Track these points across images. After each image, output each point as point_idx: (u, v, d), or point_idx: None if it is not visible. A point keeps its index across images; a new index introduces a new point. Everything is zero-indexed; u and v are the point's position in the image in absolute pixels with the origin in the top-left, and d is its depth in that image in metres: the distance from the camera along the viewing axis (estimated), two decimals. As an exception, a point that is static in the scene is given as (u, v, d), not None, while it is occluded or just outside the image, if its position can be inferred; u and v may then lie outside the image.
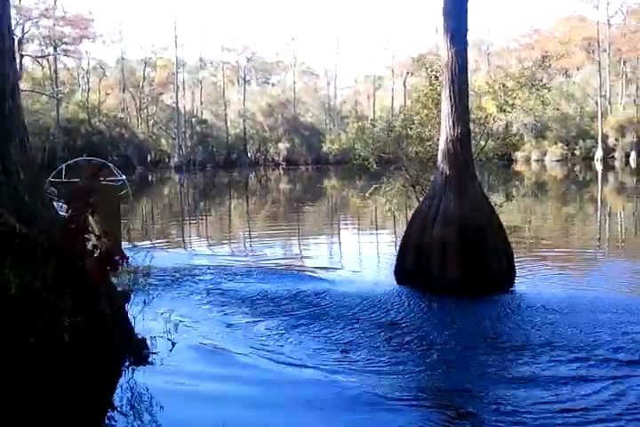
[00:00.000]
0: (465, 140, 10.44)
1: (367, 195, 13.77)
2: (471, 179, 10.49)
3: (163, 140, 67.04)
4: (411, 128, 12.64)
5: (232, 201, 37.01)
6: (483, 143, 12.65)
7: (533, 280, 11.02)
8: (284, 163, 68.47)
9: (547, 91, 12.22)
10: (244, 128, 68.75)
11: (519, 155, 62.09)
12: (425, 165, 12.35)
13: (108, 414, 5.95)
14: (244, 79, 70.63)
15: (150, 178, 56.04)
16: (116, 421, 5.80)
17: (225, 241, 18.18)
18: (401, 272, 10.80)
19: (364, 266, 12.56)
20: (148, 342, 7.22)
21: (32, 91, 53.27)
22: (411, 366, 6.72)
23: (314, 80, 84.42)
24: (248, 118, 69.09)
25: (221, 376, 6.65)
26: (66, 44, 55.81)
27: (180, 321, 8.03)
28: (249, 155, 69.90)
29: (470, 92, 11.07)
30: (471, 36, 10.90)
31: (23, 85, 51.51)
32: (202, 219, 26.00)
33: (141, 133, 64.09)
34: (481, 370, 6.56)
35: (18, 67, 49.14)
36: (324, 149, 14.70)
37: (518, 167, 59.46)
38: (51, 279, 6.33)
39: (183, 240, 18.53)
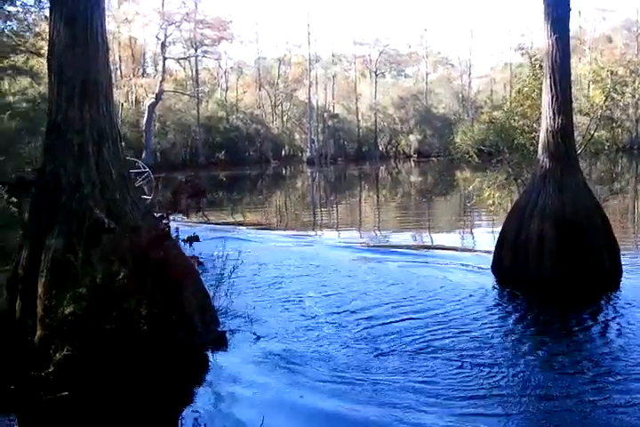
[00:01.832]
0: (566, 131, 9.95)
1: (470, 188, 13.44)
2: (572, 172, 9.98)
3: (296, 135, 68.75)
4: (514, 119, 12.20)
5: (362, 193, 37.39)
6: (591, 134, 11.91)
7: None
8: (415, 155, 67.89)
9: (659, 77, 11.32)
10: (375, 121, 68.86)
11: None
12: (528, 158, 11.87)
13: (189, 401, 6.35)
14: (376, 72, 70.61)
15: (284, 172, 57.74)
16: (194, 409, 6.18)
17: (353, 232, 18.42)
18: (498, 269, 10.50)
19: (467, 261, 12.30)
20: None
21: (174, 91, 56.54)
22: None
23: (448, 70, 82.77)
24: (379, 111, 69.13)
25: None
26: (206, 45, 58.54)
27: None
28: (380, 147, 69.99)
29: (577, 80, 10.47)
30: (620, 16, 10.29)
31: (167, 86, 54.93)
32: (332, 210, 26.54)
33: (276, 129, 66.08)
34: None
35: (161, 69, 52.53)
36: (457, 140, 14.51)
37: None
38: (134, 272, 6.87)
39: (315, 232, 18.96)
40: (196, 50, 56.94)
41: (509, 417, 5.45)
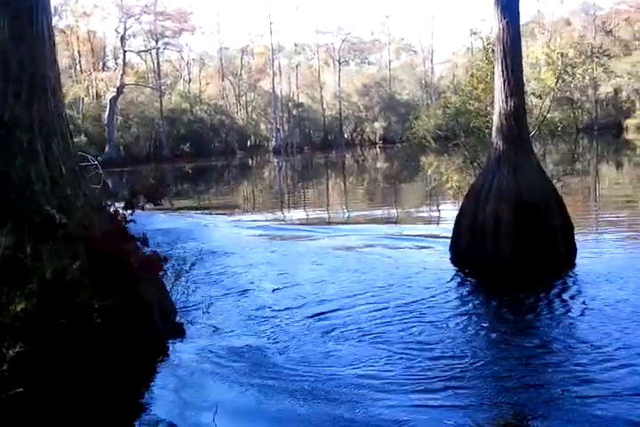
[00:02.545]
0: (519, 113, 10.10)
1: (429, 172, 13.58)
2: (526, 154, 10.15)
3: (262, 125, 68.47)
4: (469, 103, 12.34)
5: (329, 181, 37.54)
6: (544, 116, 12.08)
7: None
8: (380, 142, 68.14)
9: (607, 58, 11.51)
10: (340, 109, 68.87)
11: (631, 122, 58.49)
12: (484, 141, 12.03)
13: (147, 391, 6.35)
14: (339, 61, 70.52)
15: (250, 162, 57.51)
16: (153, 398, 6.19)
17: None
18: (456, 252, 10.66)
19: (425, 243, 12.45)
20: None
21: (136, 84, 55.78)
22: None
23: (411, 57, 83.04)
24: (343, 99, 69.12)
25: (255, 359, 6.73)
26: (167, 37, 57.85)
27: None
28: (345, 135, 70.07)
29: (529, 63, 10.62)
30: (577, 0, 10.42)
31: (128, 79, 54.18)
32: (297, 198, 26.60)
33: (241, 119, 65.71)
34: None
35: (122, 62, 51.80)
36: (413, 125, 14.60)
37: (630, 136, 56.13)
38: (88, 266, 6.83)
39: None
40: (156, 42, 56.23)
41: (467, 408, 5.35)
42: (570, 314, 7.80)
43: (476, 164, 11.98)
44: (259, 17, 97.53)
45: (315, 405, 5.50)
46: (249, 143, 65.78)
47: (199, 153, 56.44)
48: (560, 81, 11.64)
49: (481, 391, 5.65)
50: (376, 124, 68.88)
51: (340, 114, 69.24)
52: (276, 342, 6.99)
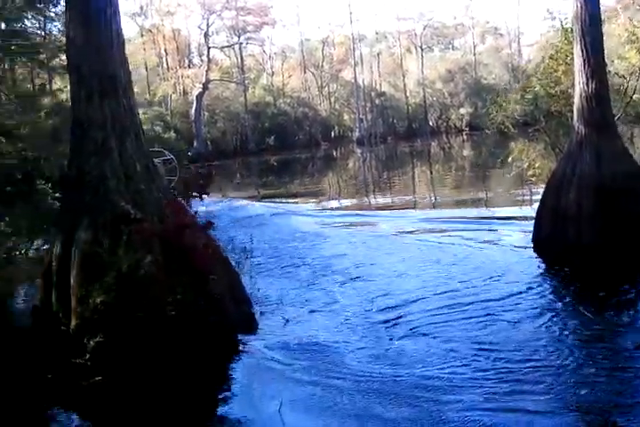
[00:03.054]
0: (601, 95, 9.59)
1: (510, 160, 13.12)
2: (610, 138, 9.64)
3: (345, 116, 68.30)
4: (550, 87, 11.81)
5: (414, 170, 37.16)
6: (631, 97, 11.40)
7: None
8: (466, 129, 66.51)
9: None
10: (424, 96, 67.73)
11: None
12: (565, 125, 11.49)
13: (218, 383, 6.49)
14: (422, 47, 69.33)
15: (334, 153, 57.67)
16: (223, 390, 6.32)
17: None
18: (538, 238, 10.29)
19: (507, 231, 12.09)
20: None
21: (221, 80, 56.92)
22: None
23: (497, 40, 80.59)
24: (427, 86, 67.93)
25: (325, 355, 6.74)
26: (249, 32, 58.63)
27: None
28: (430, 123, 68.90)
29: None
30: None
31: (213, 75, 55.36)
32: (383, 187, 26.42)
33: (324, 111, 65.81)
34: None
35: (206, 58, 52.95)
36: (491, 111, 14.10)
37: None
38: (162, 259, 7.03)
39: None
40: (239, 37, 57.08)
41: (549, 414, 5.07)
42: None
43: (557, 149, 11.47)
44: (338, 7, 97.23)
45: (382, 406, 5.39)
46: (332, 134, 65.84)
47: (284, 146, 57.03)
48: (646, 58, 10.96)
49: (565, 396, 5.28)
50: (462, 111, 67.27)
51: (425, 101, 68.09)
52: (345, 339, 6.92)
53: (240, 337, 7.23)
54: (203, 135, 52.20)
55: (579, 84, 9.66)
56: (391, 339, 6.84)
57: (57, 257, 7.12)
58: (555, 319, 7.14)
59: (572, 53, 10.77)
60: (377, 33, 71.90)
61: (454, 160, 40.78)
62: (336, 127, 66.77)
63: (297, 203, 21.52)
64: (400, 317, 7.50)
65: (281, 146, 56.73)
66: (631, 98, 11.52)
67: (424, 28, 70.13)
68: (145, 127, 38.68)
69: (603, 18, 9.76)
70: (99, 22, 7.21)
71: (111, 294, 6.69)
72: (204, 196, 7.65)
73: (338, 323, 7.45)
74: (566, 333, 6.76)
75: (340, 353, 6.53)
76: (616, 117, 10.46)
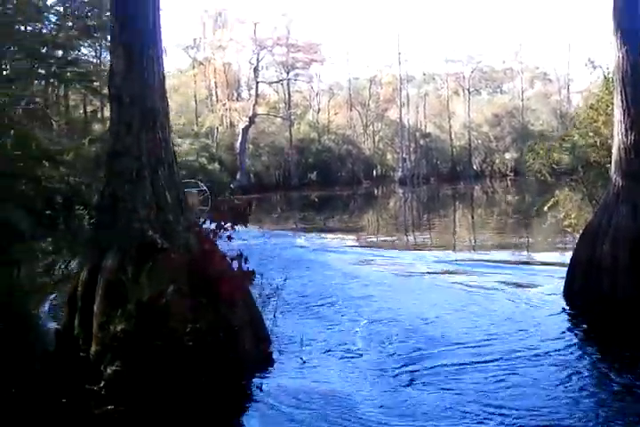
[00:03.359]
0: (640, 147, 9.45)
1: (546, 209, 12.95)
2: (649, 190, 9.44)
3: (388, 155, 68.70)
4: (589, 136, 11.70)
5: (455, 213, 36.93)
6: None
7: None
8: (511, 173, 66.03)
9: None
10: (469, 139, 67.76)
11: None
12: (604, 176, 11.32)
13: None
14: (469, 90, 69.66)
15: (375, 192, 57.81)
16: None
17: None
18: (569, 293, 10.06)
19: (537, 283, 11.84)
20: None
21: (267, 114, 58.04)
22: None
23: (546, 86, 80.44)
24: (473, 129, 67.99)
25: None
26: (297, 68, 59.90)
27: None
28: (474, 166, 68.68)
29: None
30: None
31: (260, 109, 56.46)
32: (419, 231, 26.25)
33: (367, 149, 66.33)
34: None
35: (254, 93, 54.09)
36: (527, 158, 13.93)
37: None
38: (185, 289, 7.09)
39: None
40: (287, 73, 58.33)
41: None
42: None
43: (594, 201, 11.30)
44: (388, 47, 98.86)
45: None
46: (375, 173, 66.13)
47: (326, 182, 57.53)
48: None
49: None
50: (507, 156, 66.98)
51: (470, 144, 68.10)
52: (360, 387, 6.76)
53: (255, 374, 7.18)
54: (246, 168, 53.01)
55: (617, 135, 9.56)
56: (404, 389, 6.67)
57: (83, 282, 7.24)
58: (574, 378, 6.86)
59: (612, 103, 10.69)
60: (424, 74, 72.51)
61: (497, 205, 40.36)
62: (379, 166, 67.15)
63: (333, 239, 21.57)
64: (417, 367, 7.29)
65: (323, 182, 57.21)
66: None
67: (472, 71, 70.44)
68: (190, 158, 39.74)
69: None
70: (142, 56, 7.47)
71: (131, 321, 6.75)
72: (237, 226, 7.67)
73: (356, 368, 7.32)
74: (585, 393, 6.49)
75: (351, 402, 6.39)
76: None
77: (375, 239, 22.07)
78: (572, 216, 12.25)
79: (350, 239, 21.89)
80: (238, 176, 51.44)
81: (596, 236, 9.61)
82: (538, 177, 12.68)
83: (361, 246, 19.65)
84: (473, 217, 32.39)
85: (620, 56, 9.46)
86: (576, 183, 12.38)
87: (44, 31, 26.36)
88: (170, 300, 6.78)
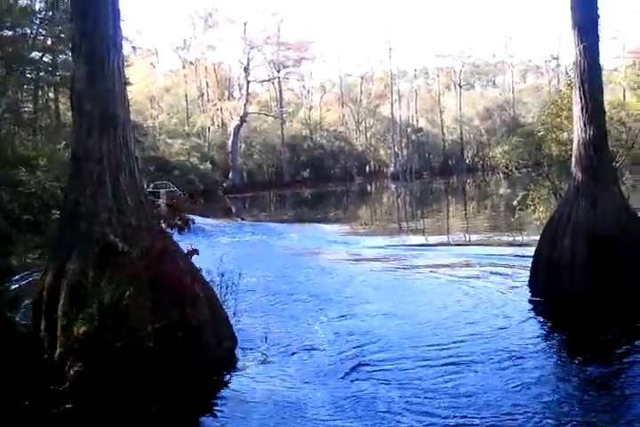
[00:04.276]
0: (599, 142, 9.61)
1: (515, 203, 13.13)
2: (607, 185, 9.61)
3: (381, 151, 68.89)
4: (552, 132, 11.85)
5: (449, 207, 37.14)
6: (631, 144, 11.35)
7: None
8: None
9: None
10: (461, 133, 67.94)
11: None
12: (567, 170, 11.49)
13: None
14: (460, 84, 69.76)
15: (369, 188, 57.97)
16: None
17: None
18: (533, 287, 10.25)
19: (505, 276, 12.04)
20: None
21: (259, 113, 58.15)
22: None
23: (538, 79, 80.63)
24: (464, 123, 68.16)
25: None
26: (288, 66, 59.94)
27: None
28: (466, 160, 68.88)
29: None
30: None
31: (251, 108, 56.52)
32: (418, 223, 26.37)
33: (360, 146, 66.52)
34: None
35: (245, 92, 54.16)
36: (493, 153, 14.07)
37: None
38: (145, 290, 7.26)
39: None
40: (278, 71, 58.38)
41: None
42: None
43: (558, 195, 11.46)
44: (378, 43, 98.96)
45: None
46: (368, 169, 66.36)
47: (319, 179, 57.72)
48: (648, 106, 10.94)
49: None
50: (505, 147, 67.09)
51: (462, 138, 68.29)
52: (316, 383, 6.94)
53: (218, 372, 7.35)
54: (238, 167, 53.11)
55: (577, 131, 9.72)
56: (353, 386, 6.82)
57: (48, 286, 7.40)
58: (534, 374, 7.01)
59: (573, 99, 10.85)
60: (415, 70, 72.69)
61: (488, 198, 40.55)
62: (371, 162, 67.34)
63: (322, 235, 21.75)
64: (374, 363, 7.45)
65: (316, 179, 57.40)
66: (632, 145, 11.47)
67: (463, 66, 70.55)
68: (182, 158, 39.89)
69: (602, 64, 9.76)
70: (102, 63, 7.61)
71: (93, 323, 6.92)
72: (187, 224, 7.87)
73: (315, 363, 7.47)
74: (546, 387, 6.66)
75: (305, 404, 6.52)
76: (617, 164, 10.44)
77: (365, 237, 22.11)
78: (540, 210, 12.41)
79: (340, 235, 22.01)
80: (230, 175, 51.55)
81: (557, 231, 9.78)
82: (504, 173, 12.83)
83: (350, 242, 19.75)
84: (466, 211, 32.60)
85: (578, 52, 9.62)
86: (542, 178, 12.54)
87: (33, 36, 26.49)
88: (129, 302, 6.94)
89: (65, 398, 6.63)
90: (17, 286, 9.94)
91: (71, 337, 6.98)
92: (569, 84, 11.71)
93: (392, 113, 64.59)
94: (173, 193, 19.63)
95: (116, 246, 7.33)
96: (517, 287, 10.82)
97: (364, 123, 69.06)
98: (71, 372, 6.88)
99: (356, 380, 6.94)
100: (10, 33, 23.61)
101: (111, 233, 7.39)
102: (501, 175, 62.93)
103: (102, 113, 7.63)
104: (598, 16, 9.70)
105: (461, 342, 8.05)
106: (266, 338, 8.25)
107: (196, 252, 7.79)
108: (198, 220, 23.43)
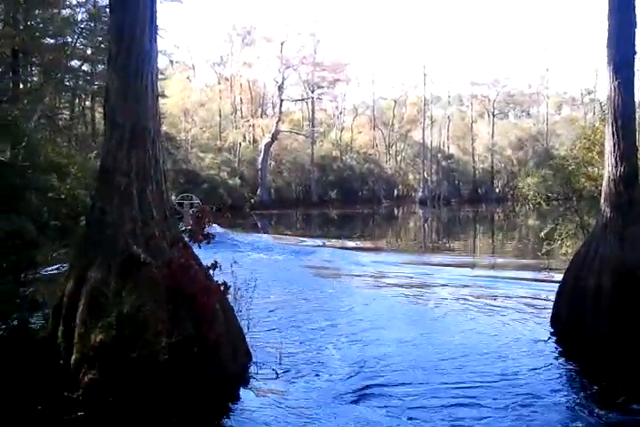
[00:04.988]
0: (630, 179, 9.48)
1: (543, 236, 12.99)
2: (636, 221, 9.45)
3: (410, 175, 68.86)
4: (583, 166, 11.77)
5: (476, 235, 36.86)
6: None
7: None
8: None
9: None
10: (492, 162, 67.66)
11: None
12: (596, 206, 11.35)
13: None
14: (493, 113, 69.67)
15: (395, 211, 57.85)
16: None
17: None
18: (556, 323, 10.08)
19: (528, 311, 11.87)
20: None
21: (290, 131, 58.67)
22: None
23: (573, 111, 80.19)
24: (496, 152, 67.90)
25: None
26: (322, 87, 60.52)
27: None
28: (496, 189, 68.46)
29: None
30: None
31: (283, 127, 57.04)
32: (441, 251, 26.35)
33: (389, 169, 66.58)
34: None
35: (278, 110, 54.71)
36: (520, 184, 13.93)
37: None
38: (165, 303, 7.31)
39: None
40: (312, 92, 58.92)
41: None
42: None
43: (586, 230, 11.33)
44: (413, 68, 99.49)
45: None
46: (395, 193, 66.31)
47: (346, 200, 57.80)
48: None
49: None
50: (529, 180, 66.63)
51: (493, 167, 68.00)
52: (323, 407, 6.90)
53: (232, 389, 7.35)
54: (267, 184, 53.46)
55: (607, 167, 9.63)
56: (362, 415, 6.72)
57: (68, 293, 7.50)
58: (541, 410, 6.89)
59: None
60: (449, 96, 72.76)
61: (518, 229, 40.11)
62: (400, 186, 67.30)
63: (346, 256, 21.74)
64: (382, 390, 7.38)
65: (343, 200, 57.48)
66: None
67: (497, 95, 70.49)
68: (212, 172, 40.53)
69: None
70: (136, 77, 7.77)
71: (110, 333, 6.98)
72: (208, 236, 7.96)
73: (324, 389, 7.43)
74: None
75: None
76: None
77: (388, 259, 22.09)
78: (567, 244, 12.28)
79: (366, 258, 21.94)
80: (259, 191, 51.90)
81: (583, 266, 9.64)
82: (532, 204, 12.75)
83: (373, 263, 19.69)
84: (493, 240, 32.27)
85: (612, 88, 9.56)
86: (570, 212, 12.42)
87: (73, 45, 27.17)
88: (147, 314, 6.99)
89: (78, 405, 6.70)
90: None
91: (87, 345, 7.05)
92: (602, 119, 11.64)
93: (423, 138, 64.65)
94: (198, 205, 20.12)
95: (139, 257, 7.41)
96: (539, 321, 10.66)
97: (394, 147, 69.23)
98: (85, 379, 6.94)
99: (363, 406, 6.88)
100: (52, 41, 24.29)
101: (134, 244, 7.49)
102: (531, 207, 62.77)
103: (133, 126, 7.76)
104: (635, 53, 9.64)
105: (473, 374, 7.94)
106: (280, 356, 8.21)
107: (217, 265, 7.82)
108: (228, 232, 23.76)
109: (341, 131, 67.66)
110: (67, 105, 30.51)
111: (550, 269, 14.79)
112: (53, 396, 6.90)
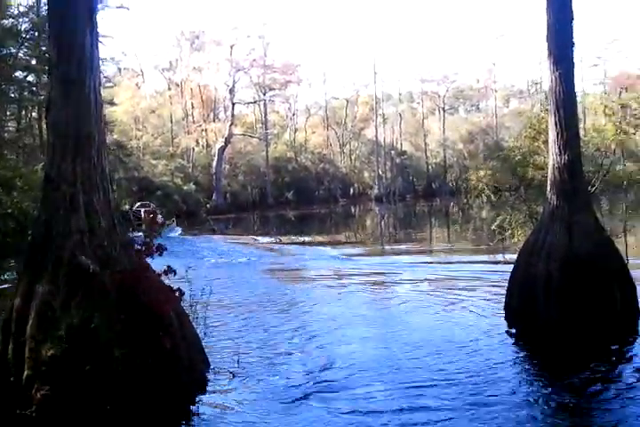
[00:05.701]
0: (574, 167, 9.72)
1: (494, 227, 13.21)
2: (582, 209, 9.69)
3: (365, 173, 69.21)
4: (529, 156, 12.00)
5: (432, 229, 37.33)
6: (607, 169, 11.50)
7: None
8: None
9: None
10: (444, 156, 68.53)
11: None
12: (543, 195, 11.59)
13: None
14: (444, 108, 70.57)
15: (352, 210, 58.10)
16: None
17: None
18: (508, 309, 10.25)
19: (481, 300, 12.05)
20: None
21: (243, 134, 58.38)
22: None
23: (521, 103, 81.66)
24: (448, 147, 68.80)
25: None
26: (274, 89, 60.40)
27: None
28: (449, 183, 69.35)
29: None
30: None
31: (236, 130, 56.72)
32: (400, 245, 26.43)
33: (344, 168, 66.82)
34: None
35: (230, 113, 54.41)
36: (471, 177, 14.31)
37: None
38: (115, 313, 7.17)
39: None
40: (264, 94, 58.76)
41: None
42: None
43: (535, 219, 11.55)
44: (364, 67, 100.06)
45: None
46: (352, 191, 66.53)
47: (303, 201, 57.79)
48: (622, 133, 11.10)
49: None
50: (481, 172, 67.67)
51: (445, 162, 68.85)
52: (279, 410, 6.87)
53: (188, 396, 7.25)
54: (222, 188, 53.05)
55: (552, 156, 9.83)
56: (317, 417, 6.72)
57: (17, 308, 7.29)
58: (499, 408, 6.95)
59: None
60: (400, 94, 73.43)
61: (472, 221, 40.72)
62: (355, 184, 67.54)
63: (302, 254, 21.78)
64: (340, 389, 7.39)
65: (299, 201, 57.44)
66: (607, 171, 11.62)
67: (447, 90, 71.43)
68: (165, 179, 40.07)
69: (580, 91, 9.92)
70: (78, 85, 7.60)
71: (61, 347, 6.82)
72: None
73: (280, 392, 7.38)
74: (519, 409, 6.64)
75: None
76: (593, 189, 10.55)
77: (344, 255, 22.17)
78: (518, 234, 12.49)
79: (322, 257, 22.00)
80: (214, 196, 51.49)
81: (532, 254, 9.83)
82: (485, 196, 12.93)
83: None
84: (449, 232, 32.72)
85: (553, 79, 9.77)
86: (519, 202, 12.64)
87: (16, 55, 26.52)
88: (98, 325, 6.85)
89: (31, 422, 6.53)
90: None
91: (39, 360, 6.87)
92: (547, 109, 11.87)
93: (376, 136, 65.09)
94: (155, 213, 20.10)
95: (87, 268, 7.26)
96: (495, 311, 10.82)
97: (348, 145, 69.52)
98: (38, 395, 6.76)
99: (324, 410, 6.80)
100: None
101: (82, 254, 7.33)
102: (484, 199, 63.85)
103: (77, 135, 7.59)
104: (573, 44, 9.87)
105: (430, 372, 7.97)
106: (238, 361, 8.14)
107: (171, 271, 7.70)
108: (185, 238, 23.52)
109: (295, 132, 67.66)
110: (12, 117, 29.79)
111: (504, 259, 15.05)
112: (5, 414, 6.72)
